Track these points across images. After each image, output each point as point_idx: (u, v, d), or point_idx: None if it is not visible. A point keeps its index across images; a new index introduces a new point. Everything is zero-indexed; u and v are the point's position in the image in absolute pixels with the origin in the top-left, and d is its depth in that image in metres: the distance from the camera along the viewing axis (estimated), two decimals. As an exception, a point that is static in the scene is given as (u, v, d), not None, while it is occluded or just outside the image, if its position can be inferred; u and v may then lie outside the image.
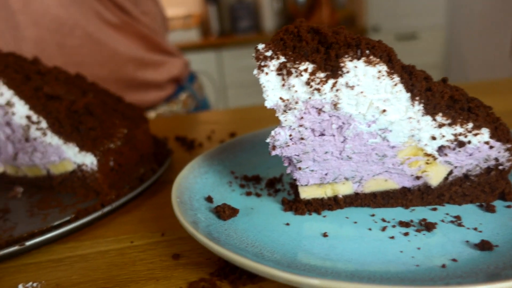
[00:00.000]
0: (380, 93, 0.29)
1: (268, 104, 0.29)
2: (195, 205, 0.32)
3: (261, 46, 0.28)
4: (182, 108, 0.91)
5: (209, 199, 0.34)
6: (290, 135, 0.30)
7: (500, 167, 0.32)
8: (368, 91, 0.29)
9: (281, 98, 0.29)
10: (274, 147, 0.31)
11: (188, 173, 0.37)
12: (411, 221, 0.31)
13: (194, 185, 0.36)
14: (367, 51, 0.28)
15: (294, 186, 0.35)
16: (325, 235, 0.29)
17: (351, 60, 0.28)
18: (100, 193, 0.39)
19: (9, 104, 0.40)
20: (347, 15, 2.55)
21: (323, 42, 0.29)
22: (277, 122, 0.31)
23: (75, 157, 0.39)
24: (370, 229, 0.30)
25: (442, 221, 0.30)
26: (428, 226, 0.29)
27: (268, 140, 0.31)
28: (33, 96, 0.40)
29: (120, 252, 0.31)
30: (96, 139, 0.39)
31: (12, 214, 0.38)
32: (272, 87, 0.29)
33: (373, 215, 0.32)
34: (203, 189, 0.36)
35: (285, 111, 0.30)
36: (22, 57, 0.46)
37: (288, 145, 0.31)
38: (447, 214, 0.31)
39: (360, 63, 0.28)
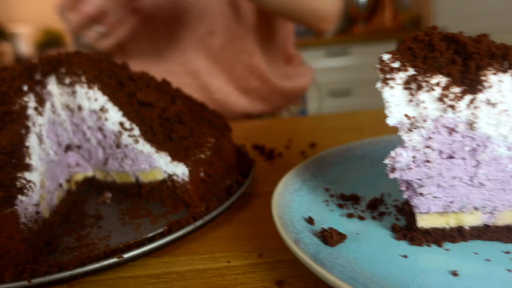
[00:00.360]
0: None
1: (391, 121, 0.27)
2: (298, 227, 0.30)
3: (386, 57, 0.26)
4: None
5: (310, 221, 0.32)
6: (414, 157, 0.27)
7: None
8: None
9: (406, 115, 0.26)
10: (393, 169, 0.28)
11: (284, 189, 0.35)
12: None
13: (291, 203, 0.34)
14: None
15: (406, 212, 0.32)
16: (454, 273, 0.25)
17: (495, 73, 0.24)
18: (190, 204, 0.38)
19: (103, 109, 0.41)
20: (412, 17, 2.44)
21: (461, 52, 0.25)
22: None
23: (166, 166, 0.39)
24: (509, 270, 0.25)
25: None
26: None
27: (387, 161, 0.28)
28: (126, 102, 0.40)
29: (218, 273, 0.30)
30: (188, 148, 0.38)
31: (105, 222, 0.39)
32: (397, 102, 0.26)
33: (508, 252, 0.28)
34: (301, 208, 0.33)
35: (410, 129, 0.27)
36: (114, 62, 0.47)
37: (411, 168, 0.28)
38: None
39: (507, 77, 0.24)
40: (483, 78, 0.25)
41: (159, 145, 0.38)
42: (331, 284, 0.23)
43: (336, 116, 0.76)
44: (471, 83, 0.25)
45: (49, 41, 2.58)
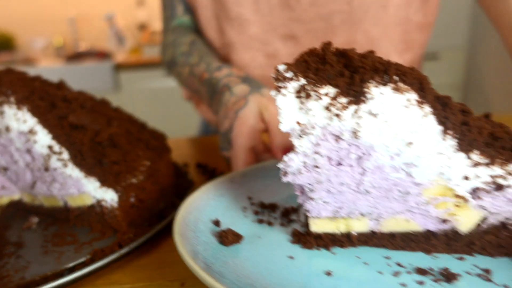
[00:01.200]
0: (407, 124, 0.26)
1: (284, 127, 0.28)
2: (200, 227, 0.32)
3: (282, 67, 0.27)
4: None
5: (216, 223, 0.33)
6: (304, 162, 0.29)
7: None
8: (394, 121, 0.26)
9: (298, 122, 0.28)
10: (285, 173, 0.30)
11: (202, 194, 0.36)
12: (431, 269, 0.28)
13: (206, 207, 0.35)
14: (396, 77, 0.26)
15: (306, 218, 0.34)
16: (328, 273, 0.28)
17: (376, 86, 0.26)
18: (118, 230, 0.38)
19: (31, 132, 0.40)
20: None
21: (349, 66, 0.27)
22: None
23: (95, 191, 0.38)
24: (381, 273, 0.28)
25: (468, 273, 0.27)
26: (449, 277, 0.26)
27: (280, 166, 0.30)
28: (57, 125, 0.40)
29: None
30: (119, 173, 0.38)
31: (26, 250, 0.38)
32: (289, 110, 0.28)
33: (388, 258, 0.30)
34: (214, 212, 0.35)
35: (300, 136, 0.28)
36: (48, 82, 0.46)
37: (301, 173, 0.29)
38: (475, 265, 0.28)
39: (387, 90, 0.26)
40: (366, 90, 0.26)
41: (88, 170, 0.38)
42: (195, 273, 0.26)
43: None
44: (356, 95, 0.26)
45: (-1, 44, 2.48)
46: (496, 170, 0.27)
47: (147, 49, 2.34)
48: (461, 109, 0.27)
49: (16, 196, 0.46)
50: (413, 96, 0.26)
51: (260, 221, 0.35)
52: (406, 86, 0.26)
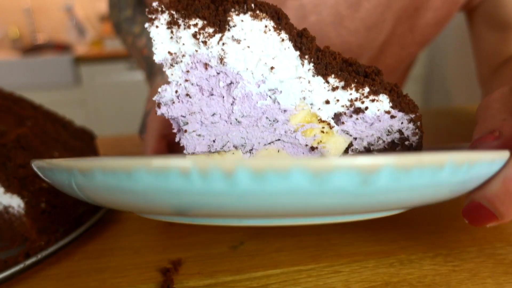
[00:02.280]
0: (267, 49, 0.29)
1: (157, 58, 0.30)
2: None
3: (155, 3, 0.29)
4: None
5: None
6: (176, 92, 0.30)
7: (407, 143, 0.31)
8: (255, 46, 0.29)
9: (169, 52, 0.30)
10: (159, 105, 0.31)
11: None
12: None
13: None
14: (253, 5, 0.28)
15: None
16: None
17: (237, 14, 0.28)
18: (28, 238, 0.37)
19: None
20: None
21: (215, 1, 0.29)
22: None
23: (1, 197, 0.37)
24: None
25: None
26: None
27: (154, 98, 0.31)
28: None
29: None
30: (26, 178, 0.37)
31: None
32: (162, 40, 0.29)
33: None
34: None
35: (172, 65, 0.30)
36: None
37: (174, 103, 0.31)
38: None
39: (247, 17, 0.28)
40: (229, 19, 0.28)
41: None
42: None
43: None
44: (220, 24, 0.29)
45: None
46: (353, 93, 0.29)
47: (109, 41, 2.32)
48: (314, 38, 0.29)
49: None
50: (270, 23, 0.28)
51: None
52: (263, 14, 0.28)
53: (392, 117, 0.30)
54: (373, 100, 0.30)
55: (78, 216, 0.40)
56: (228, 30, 0.29)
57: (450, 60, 2.20)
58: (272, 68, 0.29)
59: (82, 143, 0.45)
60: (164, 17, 0.29)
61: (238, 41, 0.29)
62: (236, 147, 0.33)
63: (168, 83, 0.31)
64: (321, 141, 0.31)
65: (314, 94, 0.30)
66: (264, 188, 0.19)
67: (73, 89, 2.25)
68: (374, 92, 0.29)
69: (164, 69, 0.30)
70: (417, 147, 0.31)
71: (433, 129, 0.66)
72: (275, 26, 0.29)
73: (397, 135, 0.31)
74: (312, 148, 0.32)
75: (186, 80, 0.30)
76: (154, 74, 0.57)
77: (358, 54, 0.55)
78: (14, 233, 0.38)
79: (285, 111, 0.30)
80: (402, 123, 0.30)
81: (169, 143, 0.48)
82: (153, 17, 0.29)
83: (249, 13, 0.28)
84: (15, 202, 0.37)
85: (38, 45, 2.38)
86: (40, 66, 2.21)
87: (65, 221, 0.39)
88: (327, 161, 0.19)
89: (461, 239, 0.34)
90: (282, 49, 0.29)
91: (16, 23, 2.53)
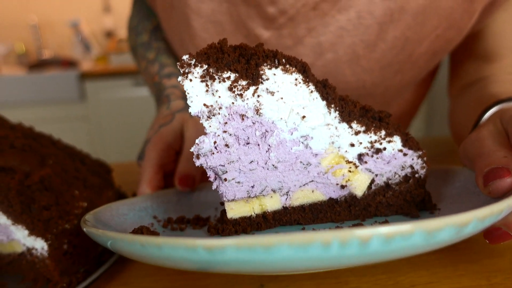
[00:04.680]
0: (298, 99, 0.32)
1: (193, 110, 0.32)
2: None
3: (185, 57, 0.32)
4: None
5: (123, 231, 0.35)
6: (215, 142, 0.33)
7: (417, 175, 0.35)
8: (288, 97, 0.32)
9: (205, 105, 0.32)
10: (198, 156, 0.33)
11: (105, 209, 0.38)
12: (341, 228, 0.33)
13: (110, 221, 0.36)
14: (284, 60, 0.32)
15: (222, 211, 0.37)
16: None
17: (270, 68, 0.32)
18: (50, 280, 0.38)
19: None
20: None
21: (244, 55, 0.32)
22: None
23: (24, 239, 0.38)
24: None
25: (371, 225, 0.34)
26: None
27: (192, 149, 0.33)
28: None
29: None
30: (50, 220, 0.38)
31: None
32: (196, 93, 0.32)
33: (303, 229, 0.35)
34: (119, 226, 0.36)
35: (209, 117, 0.33)
36: None
37: (213, 153, 0.33)
38: (375, 221, 0.35)
39: (278, 71, 0.32)
40: (261, 72, 0.32)
41: (16, 218, 0.37)
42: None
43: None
44: (253, 77, 0.32)
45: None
46: (372, 136, 0.34)
47: (114, 57, 2.36)
48: (335, 88, 0.33)
49: None
50: (299, 76, 0.32)
51: (173, 229, 0.38)
52: (293, 68, 0.32)
53: (405, 154, 0.35)
54: (389, 141, 0.34)
55: (97, 255, 0.41)
56: (262, 83, 0.32)
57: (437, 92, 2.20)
58: (303, 117, 0.33)
59: (100, 178, 0.46)
60: (197, 71, 0.31)
61: (272, 93, 0.32)
62: (274, 191, 0.36)
63: (204, 133, 0.33)
64: (348, 180, 0.35)
65: (340, 139, 0.34)
66: (390, 249, 0.22)
67: (78, 105, 2.28)
68: (389, 134, 0.34)
69: (200, 121, 0.33)
70: (425, 178, 0.36)
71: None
72: (303, 79, 0.33)
73: (409, 170, 0.36)
74: (342, 186, 0.36)
75: (224, 131, 0.33)
76: (161, 102, 0.59)
77: (371, 91, 0.57)
78: (36, 274, 0.39)
79: (316, 155, 0.34)
80: (412, 159, 0.35)
81: (165, 174, 0.48)
82: (186, 70, 0.30)
83: (280, 67, 0.32)
84: (38, 245, 0.37)
85: (44, 60, 2.42)
86: (46, 81, 2.25)
87: (85, 261, 0.40)
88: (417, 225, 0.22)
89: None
90: (311, 99, 0.33)
91: (23, 38, 2.58)
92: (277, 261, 0.22)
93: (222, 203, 0.36)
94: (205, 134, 0.33)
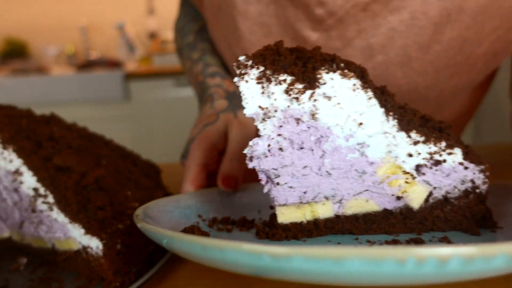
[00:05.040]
0: (356, 105, 0.31)
1: (248, 112, 0.32)
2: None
3: (242, 57, 0.32)
4: None
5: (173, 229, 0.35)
6: (269, 145, 0.32)
7: (477, 191, 0.33)
8: (345, 103, 0.31)
9: (260, 107, 0.32)
10: (251, 158, 0.33)
11: (153, 206, 0.38)
12: (398, 241, 0.32)
13: (159, 218, 0.37)
14: (342, 65, 0.31)
15: (271, 215, 0.37)
16: None
17: (327, 72, 0.31)
18: (104, 279, 0.39)
19: (17, 172, 0.41)
20: None
21: (301, 58, 0.32)
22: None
23: (80, 238, 0.39)
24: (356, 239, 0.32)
25: (430, 241, 0.32)
26: (417, 241, 0.31)
27: (245, 151, 0.33)
28: (42, 167, 0.40)
29: None
30: (104, 220, 0.39)
31: None
32: (252, 95, 0.32)
33: (357, 239, 0.34)
34: (167, 224, 0.36)
35: (264, 119, 0.32)
36: (36, 117, 0.47)
37: (267, 156, 0.33)
38: (433, 236, 0.33)
39: (336, 76, 0.31)
40: (318, 76, 0.31)
41: (73, 216, 0.38)
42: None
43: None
44: (309, 80, 0.31)
45: (11, 51, 2.61)
46: (432, 147, 0.32)
47: (157, 58, 2.41)
48: (394, 95, 0.32)
49: (5, 234, 0.47)
50: (357, 81, 0.31)
51: (219, 230, 0.38)
52: (351, 73, 0.31)
53: (466, 168, 0.33)
54: (449, 153, 0.32)
55: (148, 255, 0.42)
56: (319, 87, 0.31)
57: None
58: (360, 123, 0.32)
59: (151, 180, 0.46)
60: (253, 72, 0.30)
61: (329, 98, 0.31)
62: (327, 198, 0.35)
63: (253, 135, 0.31)
64: (405, 191, 0.34)
65: (398, 148, 0.32)
66: (470, 270, 0.21)
67: (123, 104, 2.35)
68: (450, 146, 0.32)
69: (255, 123, 0.33)
70: (486, 194, 0.34)
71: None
72: (362, 84, 0.31)
73: (469, 184, 0.34)
74: (398, 198, 0.34)
75: (279, 135, 0.32)
76: (204, 101, 0.59)
77: (424, 95, 0.55)
78: (91, 272, 0.40)
79: (372, 163, 0.33)
80: (474, 173, 0.33)
81: (208, 174, 0.47)
82: (242, 71, 0.30)
83: (338, 71, 0.31)
84: (94, 244, 0.38)
85: (91, 61, 2.52)
86: (93, 81, 2.34)
87: (137, 261, 0.40)
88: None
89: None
90: (369, 106, 0.32)
91: (72, 40, 2.70)
92: (345, 275, 0.21)
93: (272, 207, 0.36)
94: (259, 136, 0.32)
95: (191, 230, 0.33)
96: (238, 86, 0.32)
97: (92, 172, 0.41)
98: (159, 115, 2.36)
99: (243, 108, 0.53)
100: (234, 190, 0.45)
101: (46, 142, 0.43)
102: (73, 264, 0.41)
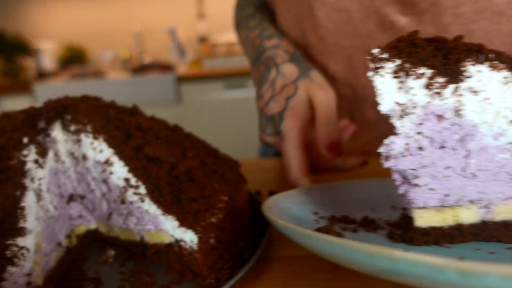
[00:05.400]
0: (507, 101, 0.28)
1: (384, 108, 0.30)
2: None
3: (376, 50, 0.29)
4: None
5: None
6: (407, 144, 0.30)
7: None
8: (494, 98, 0.28)
9: (397, 103, 0.29)
10: (387, 158, 0.30)
11: (273, 203, 0.36)
12: None
13: (282, 216, 0.34)
14: (491, 55, 0.28)
15: (404, 217, 0.33)
16: (462, 259, 0.26)
17: (473, 64, 0.28)
18: (198, 275, 0.36)
19: (108, 162, 0.40)
20: None
21: (441, 48, 0.29)
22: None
23: (173, 230, 0.37)
24: None
25: None
26: None
27: (381, 150, 0.30)
28: (133, 157, 0.39)
29: None
30: (198, 212, 0.36)
31: None
32: (388, 90, 0.29)
33: (510, 248, 0.29)
34: (292, 222, 0.34)
35: (401, 116, 0.29)
36: (121, 108, 0.45)
37: (404, 156, 0.30)
38: None
39: (484, 68, 0.28)
40: (463, 68, 0.28)
41: (166, 208, 0.36)
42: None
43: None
44: (453, 74, 0.28)
45: (71, 57, 2.74)
46: None
47: (207, 61, 2.44)
48: None
49: (92, 225, 0.46)
50: (509, 74, 0.27)
51: (343, 229, 0.35)
52: (502, 64, 0.27)
53: None
54: None
55: (238, 251, 0.39)
56: (463, 80, 0.28)
57: None
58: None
59: (234, 173, 0.44)
60: (389, 66, 0.29)
61: (476, 92, 0.28)
62: (472, 202, 0.31)
63: (395, 133, 0.30)
64: None
65: None
66: None
67: (175, 106, 2.40)
68: None
69: (391, 120, 0.30)
70: None
71: None
72: None
73: None
74: None
75: (418, 133, 0.30)
76: (265, 65, 0.54)
77: None
78: (183, 267, 0.38)
79: None
80: None
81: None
82: (377, 65, 0.29)
83: (487, 63, 0.28)
84: (188, 237, 0.36)
85: (144, 65, 2.58)
86: (146, 84, 2.40)
87: (229, 258, 0.38)
88: None
89: None
90: None
91: (127, 45, 2.78)
92: None
93: (405, 209, 0.33)
94: (396, 134, 0.30)
95: (325, 230, 0.31)
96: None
97: (183, 162, 0.39)
98: (210, 116, 2.39)
99: (313, 68, 0.50)
100: (340, 155, 0.43)
101: (135, 132, 0.41)
102: (164, 258, 0.40)
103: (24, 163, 0.37)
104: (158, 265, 0.40)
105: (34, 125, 0.41)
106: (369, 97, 0.58)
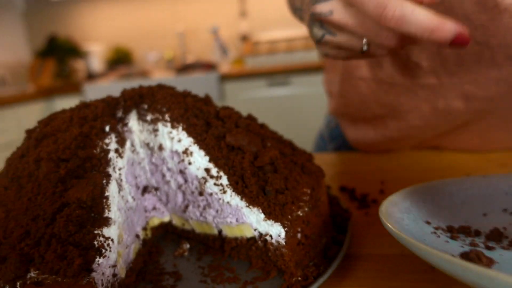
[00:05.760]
0: None
1: None
2: None
3: None
4: None
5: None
6: None
7: None
8: None
9: None
10: None
11: (388, 216, 0.32)
12: None
13: (402, 232, 0.30)
14: None
15: None
16: None
17: None
18: (284, 271, 0.34)
19: (186, 152, 0.38)
20: None
21: None
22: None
23: (257, 224, 0.35)
24: None
25: None
26: None
27: None
28: (214, 146, 0.37)
29: None
30: (285, 205, 0.34)
31: (185, 283, 0.36)
32: None
33: None
34: (414, 238, 0.30)
35: None
36: (197, 97, 0.43)
37: None
38: None
39: None
40: None
41: (251, 199, 0.34)
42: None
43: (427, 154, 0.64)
44: None
45: (118, 58, 2.82)
46: None
47: (249, 59, 2.44)
48: None
49: (166, 218, 0.44)
50: None
51: (473, 245, 0.31)
52: None
53: None
54: None
55: (322, 248, 0.37)
56: None
57: None
58: None
59: (312, 164, 0.41)
60: None
61: None
62: None
63: None
64: None
65: None
66: None
67: (218, 105, 2.38)
68: None
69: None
70: None
71: None
72: None
73: None
74: None
75: None
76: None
77: None
78: (266, 263, 0.36)
79: None
80: None
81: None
82: None
83: None
84: (274, 231, 0.34)
85: (188, 65, 2.60)
86: (190, 83, 2.42)
87: (314, 254, 0.36)
88: None
89: None
90: None
91: (171, 45, 2.82)
92: None
93: None
94: None
95: (467, 256, 0.28)
96: None
97: (266, 152, 0.36)
98: (253, 113, 2.36)
99: None
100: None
101: (214, 120, 0.39)
102: (244, 253, 0.38)
103: (107, 151, 0.36)
104: (237, 260, 0.38)
105: (113, 114, 0.40)
106: (457, 86, 0.53)
